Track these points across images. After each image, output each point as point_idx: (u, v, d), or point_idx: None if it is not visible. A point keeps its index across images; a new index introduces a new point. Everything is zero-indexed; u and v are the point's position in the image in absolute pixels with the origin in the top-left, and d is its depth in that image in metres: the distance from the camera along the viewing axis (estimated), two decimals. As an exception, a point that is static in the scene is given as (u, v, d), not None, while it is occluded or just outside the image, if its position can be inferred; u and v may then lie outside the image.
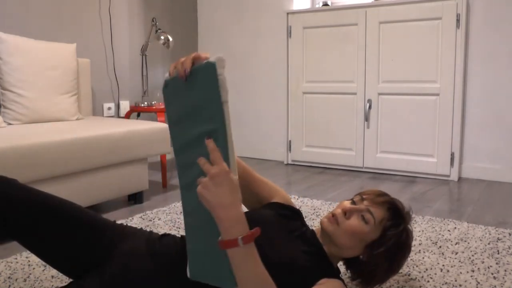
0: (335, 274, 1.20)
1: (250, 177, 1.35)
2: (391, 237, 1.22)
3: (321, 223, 1.26)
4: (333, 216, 1.24)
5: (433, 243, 1.83)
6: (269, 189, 1.38)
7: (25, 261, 1.66)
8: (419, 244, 1.81)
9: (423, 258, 1.68)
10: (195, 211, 0.99)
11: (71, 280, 1.36)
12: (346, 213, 1.23)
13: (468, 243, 1.83)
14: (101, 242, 1.15)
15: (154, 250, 1.13)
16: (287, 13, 3.44)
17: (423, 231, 1.97)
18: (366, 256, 1.24)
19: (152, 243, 1.16)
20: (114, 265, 1.10)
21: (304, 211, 2.28)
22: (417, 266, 1.61)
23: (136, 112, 3.25)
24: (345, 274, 1.39)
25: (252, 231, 0.93)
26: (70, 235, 1.12)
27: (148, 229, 2.00)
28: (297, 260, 1.13)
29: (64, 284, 1.46)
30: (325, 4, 3.39)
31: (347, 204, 1.28)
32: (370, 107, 3.18)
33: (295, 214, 1.32)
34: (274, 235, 1.18)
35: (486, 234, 1.92)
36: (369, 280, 1.28)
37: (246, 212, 1.14)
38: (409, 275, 1.53)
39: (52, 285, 1.47)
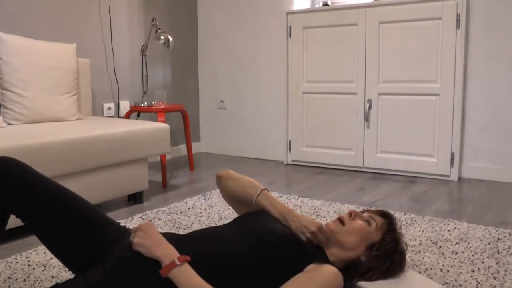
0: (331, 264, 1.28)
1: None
2: (389, 241, 1.34)
3: (327, 224, 1.36)
4: (339, 219, 1.37)
5: (433, 243, 1.83)
6: None
7: (25, 261, 1.66)
8: (419, 244, 1.81)
9: (423, 258, 1.68)
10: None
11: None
12: (352, 214, 1.37)
13: (468, 243, 1.83)
14: (105, 238, 1.19)
15: None
16: (287, 13, 3.44)
17: (423, 231, 1.97)
18: (366, 257, 1.32)
19: None
20: (116, 258, 1.14)
21: (304, 211, 2.28)
22: (417, 266, 1.61)
23: (136, 112, 3.25)
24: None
25: (183, 255, 1.09)
26: (76, 226, 1.17)
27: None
28: (299, 239, 1.25)
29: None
30: (325, 4, 3.38)
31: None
32: (370, 107, 3.18)
33: None
34: (277, 223, 1.33)
35: (486, 234, 1.92)
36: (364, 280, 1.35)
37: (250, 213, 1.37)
38: (409, 275, 1.53)
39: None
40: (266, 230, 1.23)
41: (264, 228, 1.24)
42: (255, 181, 1.47)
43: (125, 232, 1.25)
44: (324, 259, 1.25)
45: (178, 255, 1.10)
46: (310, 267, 1.16)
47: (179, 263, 1.07)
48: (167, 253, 1.09)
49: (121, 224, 2.08)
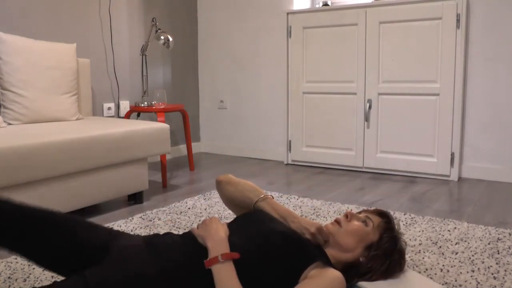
0: (333, 266, 1.27)
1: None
2: (387, 240, 1.33)
3: (326, 226, 1.36)
4: (335, 221, 1.37)
5: (433, 243, 1.83)
6: None
7: (25, 261, 1.66)
8: (419, 244, 1.81)
9: (423, 258, 1.68)
10: None
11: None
12: (348, 216, 1.36)
13: (468, 243, 1.83)
14: (96, 243, 1.17)
15: (151, 243, 1.19)
16: (287, 13, 3.44)
17: (423, 231, 1.97)
18: (364, 258, 1.32)
19: (149, 239, 1.22)
20: (112, 258, 1.13)
21: (304, 211, 2.28)
22: (417, 266, 1.61)
23: (136, 112, 3.25)
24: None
25: (232, 252, 1.11)
26: (61, 243, 1.14)
27: (148, 229, 2.01)
28: (301, 237, 1.25)
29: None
30: (325, 4, 3.38)
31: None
32: (370, 107, 3.18)
33: None
34: (278, 222, 1.33)
35: (486, 234, 1.92)
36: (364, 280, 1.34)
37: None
38: (409, 275, 1.53)
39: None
40: (269, 230, 1.22)
41: (267, 228, 1.24)
42: (255, 185, 1.47)
43: (117, 233, 1.24)
44: (326, 260, 1.24)
45: (226, 251, 1.11)
46: (314, 272, 1.15)
47: (221, 260, 1.09)
48: (216, 246, 1.12)
49: (121, 224, 2.08)
